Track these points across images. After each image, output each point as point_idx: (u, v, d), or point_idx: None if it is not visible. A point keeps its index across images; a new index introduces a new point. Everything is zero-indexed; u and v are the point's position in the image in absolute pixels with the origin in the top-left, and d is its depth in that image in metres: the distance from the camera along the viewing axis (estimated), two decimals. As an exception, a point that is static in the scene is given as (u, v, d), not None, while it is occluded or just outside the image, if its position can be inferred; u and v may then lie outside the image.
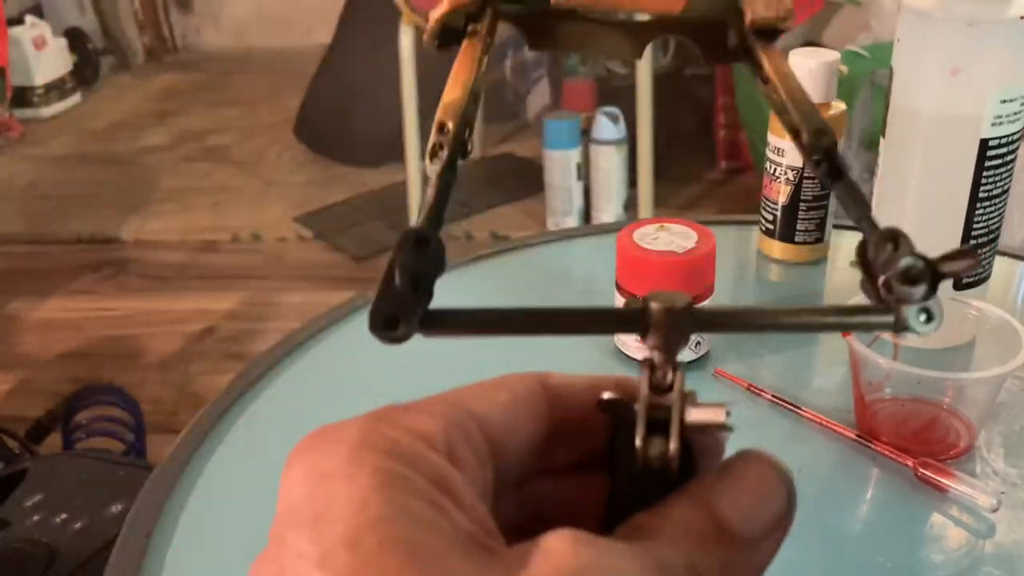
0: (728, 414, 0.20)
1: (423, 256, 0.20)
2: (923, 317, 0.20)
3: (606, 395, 0.21)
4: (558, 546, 0.17)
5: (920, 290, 0.20)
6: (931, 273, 0.20)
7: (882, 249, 0.20)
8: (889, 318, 0.20)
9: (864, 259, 0.21)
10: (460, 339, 0.20)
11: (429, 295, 0.20)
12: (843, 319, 0.21)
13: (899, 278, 0.20)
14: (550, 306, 0.21)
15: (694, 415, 0.20)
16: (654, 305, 0.20)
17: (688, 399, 0.21)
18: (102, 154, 2.87)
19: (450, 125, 0.22)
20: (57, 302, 2.07)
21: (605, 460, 0.22)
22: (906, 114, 0.58)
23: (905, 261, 0.20)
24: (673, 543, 0.19)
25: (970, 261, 0.20)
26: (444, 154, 0.22)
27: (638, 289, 0.58)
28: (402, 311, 0.20)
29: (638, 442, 0.20)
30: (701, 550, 0.19)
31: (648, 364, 0.21)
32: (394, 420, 0.19)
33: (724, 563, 0.19)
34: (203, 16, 3.84)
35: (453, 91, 0.23)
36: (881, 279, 0.20)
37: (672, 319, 0.20)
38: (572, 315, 0.21)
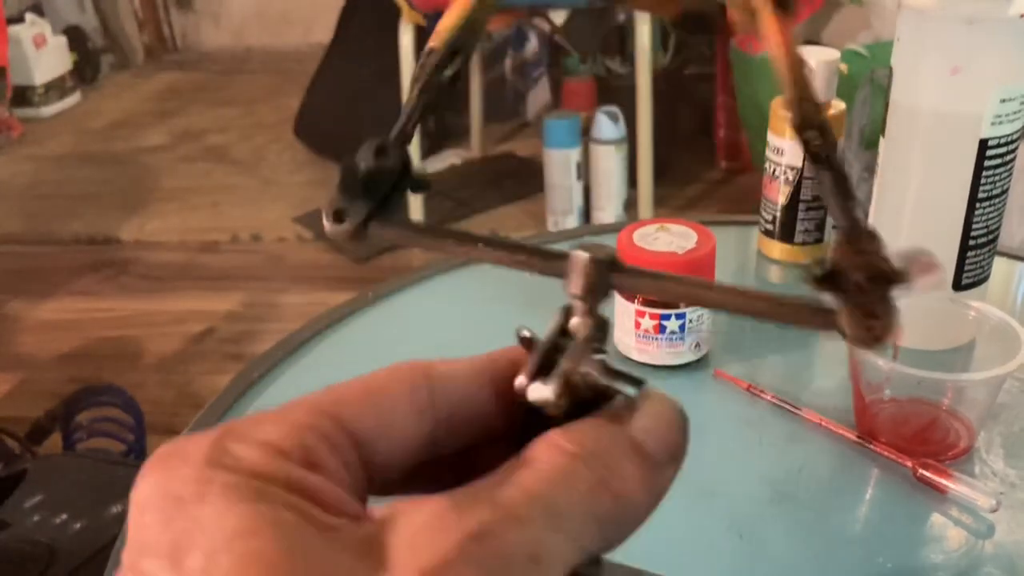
0: (639, 383, 0.21)
1: (379, 163, 0.22)
2: (877, 327, 0.19)
3: (525, 332, 0.22)
4: (427, 507, 0.17)
5: (879, 296, 0.19)
6: (890, 279, 0.19)
7: (854, 245, 0.19)
8: (834, 319, 0.19)
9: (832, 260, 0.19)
10: (404, 247, 0.22)
11: (381, 200, 0.22)
12: (781, 310, 0.20)
13: (866, 279, 0.19)
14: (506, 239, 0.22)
15: (596, 375, 0.21)
16: (579, 252, 0.21)
17: (595, 361, 0.21)
18: (102, 154, 2.87)
19: (436, 46, 0.23)
20: (57, 302, 2.07)
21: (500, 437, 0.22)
22: (906, 113, 0.58)
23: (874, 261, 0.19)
24: (581, 471, 0.19)
25: (932, 275, 0.19)
26: (423, 74, 0.22)
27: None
28: (349, 209, 0.21)
29: (521, 380, 0.21)
30: (620, 469, 0.19)
31: (564, 310, 0.21)
32: (241, 433, 0.18)
33: (643, 479, 0.20)
34: (203, 15, 3.84)
35: (447, 17, 0.23)
36: (847, 277, 0.19)
37: (595, 267, 0.21)
38: (503, 244, 0.22)
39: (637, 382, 0.21)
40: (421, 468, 0.22)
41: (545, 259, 0.22)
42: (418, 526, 0.17)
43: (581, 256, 0.21)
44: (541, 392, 0.21)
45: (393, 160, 0.22)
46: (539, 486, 0.18)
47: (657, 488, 0.20)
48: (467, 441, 0.22)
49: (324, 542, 0.17)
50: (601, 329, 0.22)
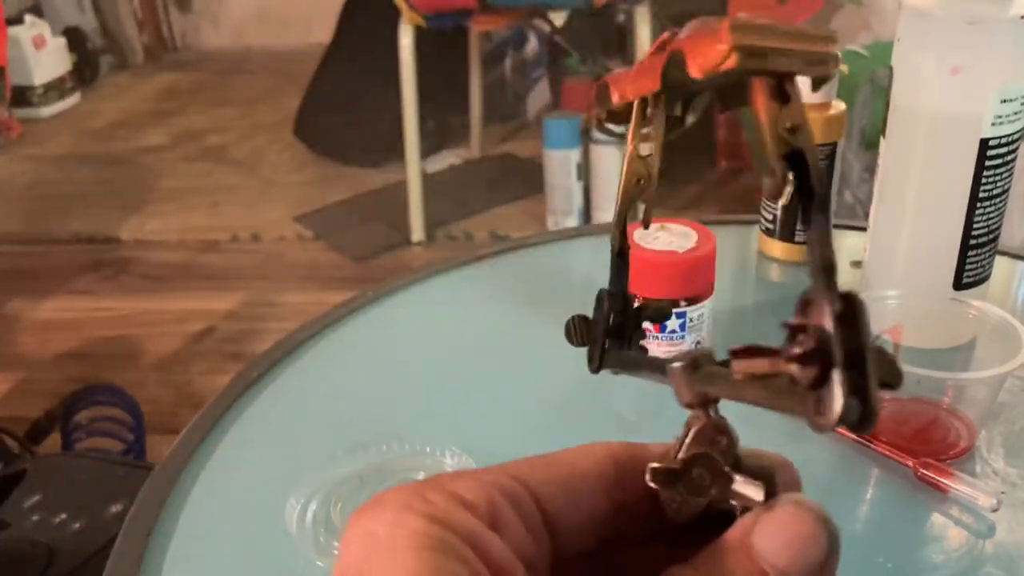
0: (771, 489, 0.20)
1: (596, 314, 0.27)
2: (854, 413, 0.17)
3: (653, 466, 0.21)
4: None
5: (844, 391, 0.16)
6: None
7: (819, 314, 0.17)
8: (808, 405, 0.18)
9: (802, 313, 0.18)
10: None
11: (610, 335, 0.27)
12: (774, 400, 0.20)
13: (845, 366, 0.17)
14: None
15: (735, 486, 0.21)
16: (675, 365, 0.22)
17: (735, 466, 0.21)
18: (101, 154, 2.87)
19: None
20: (57, 302, 2.07)
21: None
22: (906, 114, 0.57)
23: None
24: None
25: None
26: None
27: (638, 289, 0.58)
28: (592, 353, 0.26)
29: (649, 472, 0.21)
30: None
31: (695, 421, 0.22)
32: (439, 485, 0.20)
33: None
34: (202, 15, 3.84)
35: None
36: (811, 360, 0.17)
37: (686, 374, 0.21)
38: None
39: (768, 479, 0.20)
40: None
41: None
42: None
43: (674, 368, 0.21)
44: (664, 483, 0.21)
45: (610, 305, 0.26)
46: None
47: None
48: (649, 531, 0.22)
49: None
50: (721, 432, 0.22)
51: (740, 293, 0.71)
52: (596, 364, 0.26)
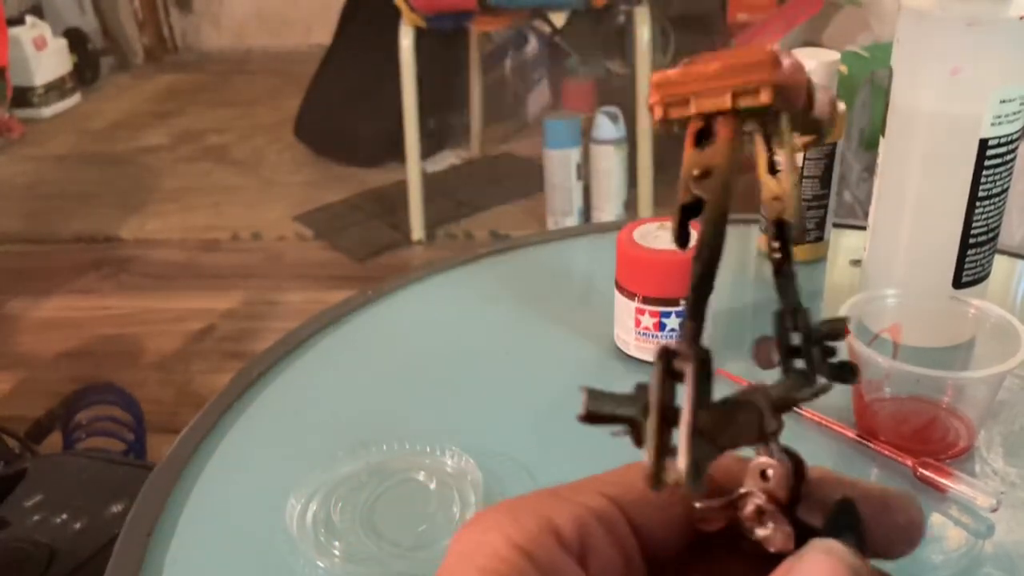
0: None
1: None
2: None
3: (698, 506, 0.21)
4: None
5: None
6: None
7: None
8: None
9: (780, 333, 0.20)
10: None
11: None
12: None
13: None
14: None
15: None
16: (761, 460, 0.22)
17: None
18: (102, 154, 2.87)
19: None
20: (57, 301, 2.07)
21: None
22: (906, 114, 0.58)
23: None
24: None
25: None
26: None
27: (638, 288, 0.58)
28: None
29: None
30: None
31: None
32: (535, 507, 0.20)
33: None
34: (203, 16, 3.84)
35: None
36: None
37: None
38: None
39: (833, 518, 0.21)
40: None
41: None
42: None
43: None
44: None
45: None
46: None
47: None
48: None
49: None
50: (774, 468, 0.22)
51: (740, 293, 0.71)
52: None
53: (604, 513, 0.20)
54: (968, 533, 0.48)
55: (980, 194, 0.57)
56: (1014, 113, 0.55)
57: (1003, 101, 0.54)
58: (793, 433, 0.58)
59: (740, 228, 0.79)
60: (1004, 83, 0.54)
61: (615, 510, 0.20)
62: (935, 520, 0.49)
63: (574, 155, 2.10)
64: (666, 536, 0.21)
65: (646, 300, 0.58)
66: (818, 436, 0.54)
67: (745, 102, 0.18)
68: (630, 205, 2.16)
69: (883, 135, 0.60)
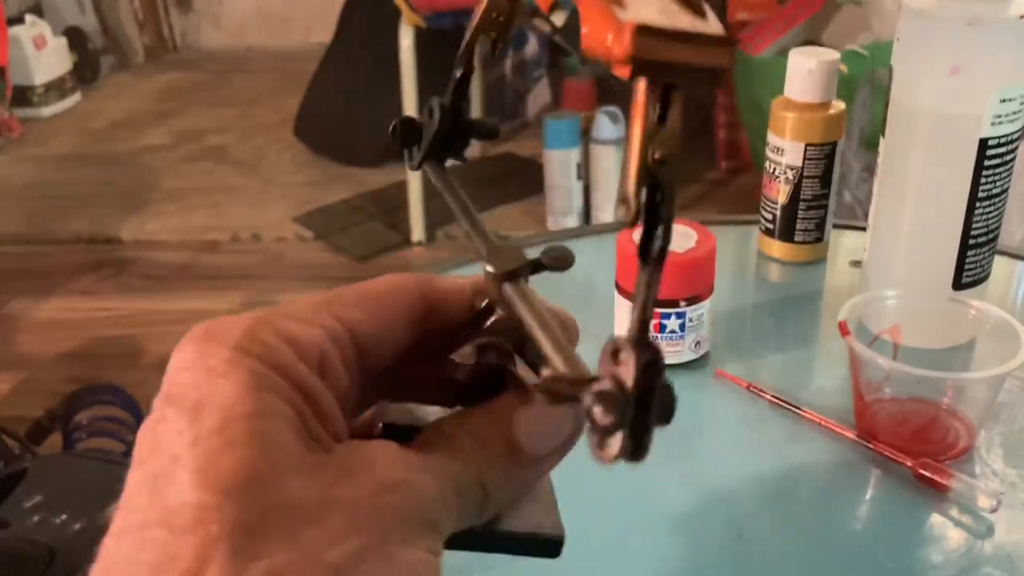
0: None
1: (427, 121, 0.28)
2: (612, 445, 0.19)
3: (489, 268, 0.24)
4: (380, 460, 0.21)
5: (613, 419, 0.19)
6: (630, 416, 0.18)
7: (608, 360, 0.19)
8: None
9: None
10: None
11: (437, 147, 0.28)
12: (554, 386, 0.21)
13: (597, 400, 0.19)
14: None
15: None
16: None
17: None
18: (102, 154, 2.87)
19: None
20: (57, 302, 2.07)
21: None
22: (906, 113, 0.58)
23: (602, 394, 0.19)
24: (469, 461, 0.22)
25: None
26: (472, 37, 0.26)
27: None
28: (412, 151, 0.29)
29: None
30: (491, 464, 0.22)
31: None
32: (275, 326, 0.21)
33: (508, 475, 0.23)
34: (203, 15, 3.83)
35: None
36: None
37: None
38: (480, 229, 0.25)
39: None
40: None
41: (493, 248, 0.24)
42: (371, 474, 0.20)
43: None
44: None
45: (439, 119, 0.27)
46: (446, 470, 0.22)
47: (533, 476, 0.24)
48: (436, 346, 0.25)
49: (306, 451, 0.20)
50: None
51: (740, 293, 0.71)
52: (416, 164, 0.28)
53: (335, 334, 0.22)
54: (968, 533, 0.48)
55: (980, 194, 0.57)
56: (1014, 113, 0.55)
57: (1003, 101, 0.54)
58: (793, 434, 0.58)
59: (740, 228, 0.79)
60: (1004, 83, 0.54)
61: (344, 332, 0.22)
62: (935, 520, 0.49)
63: (574, 155, 2.10)
64: (385, 352, 0.24)
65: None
66: (818, 437, 0.54)
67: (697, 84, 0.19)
68: (630, 205, 2.16)
69: (883, 135, 0.60)
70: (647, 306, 0.19)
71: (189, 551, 0.18)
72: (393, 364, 0.24)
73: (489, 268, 0.23)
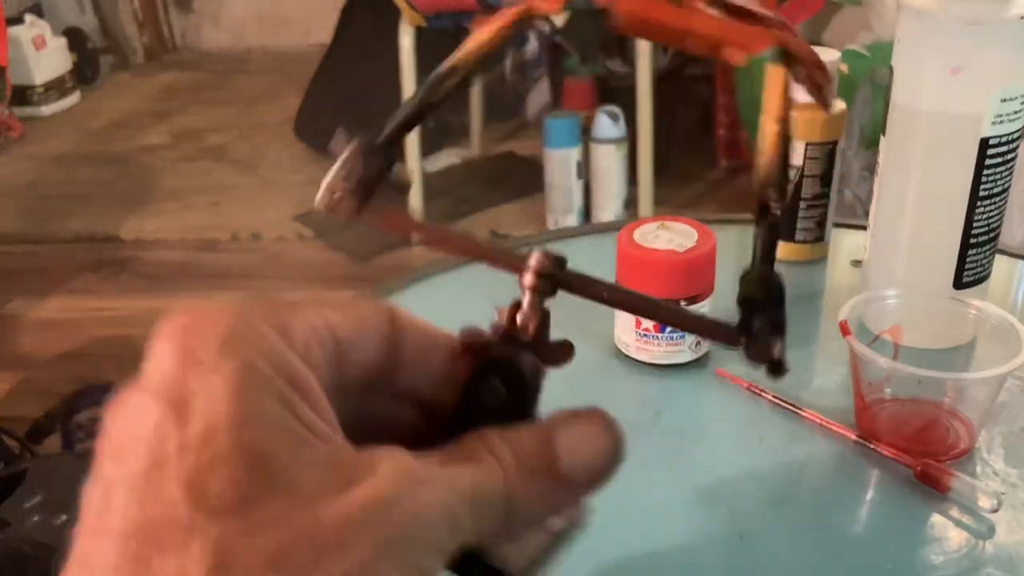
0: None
1: (368, 162, 0.25)
2: (765, 367, 0.23)
3: (470, 326, 0.25)
4: (391, 462, 0.20)
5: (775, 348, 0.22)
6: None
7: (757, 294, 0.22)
8: (737, 347, 0.23)
9: (744, 283, 0.23)
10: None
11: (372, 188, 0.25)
12: (701, 325, 0.24)
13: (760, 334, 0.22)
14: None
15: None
16: (534, 251, 0.24)
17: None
18: (102, 153, 2.87)
19: (460, 66, 0.25)
20: (57, 302, 2.07)
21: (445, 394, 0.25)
22: (906, 113, 0.57)
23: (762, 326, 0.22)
24: (497, 474, 0.21)
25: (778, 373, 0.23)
26: (434, 91, 0.25)
27: (638, 288, 0.58)
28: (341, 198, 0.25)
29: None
30: (526, 481, 0.22)
31: (513, 305, 0.25)
32: (265, 315, 0.21)
33: (543, 494, 0.22)
34: (203, 15, 3.83)
35: (480, 36, 0.25)
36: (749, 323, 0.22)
37: (545, 262, 0.24)
38: (474, 241, 0.26)
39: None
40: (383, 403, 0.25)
41: (503, 255, 0.25)
42: (390, 468, 0.20)
43: (535, 254, 0.24)
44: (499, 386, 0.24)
45: (380, 161, 0.25)
46: (463, 480, 0.21)
47: (568, 501, 0.23)
48: (403, 387, 0.25)
49: (305, 447, 0.19)
50: (545, 323, 0.25)
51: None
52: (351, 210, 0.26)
53: (321, 335, 0.22)
54: (969, 534, 0.48)
55: (981, 194, 0.57)
56: (1015, 112, 0.55)
57: (1004, 100, 0.54)
58: (794, 434, 0.58)
59: (740, 227, 0.78)
60: (1005, 82, 0.54)
61: (329, 334, 0.22)
62: (936, 521, 0.49)
63: (574, 154, 2.10)
64: (359, 363, 0.23)
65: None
66: (818, 437, 0.54)
67: None
68: (630, 204, 2.16)
69: (883, 134, 0.60)
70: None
71: (172, 571, 0.18)
72: (361, 382, 0.24)
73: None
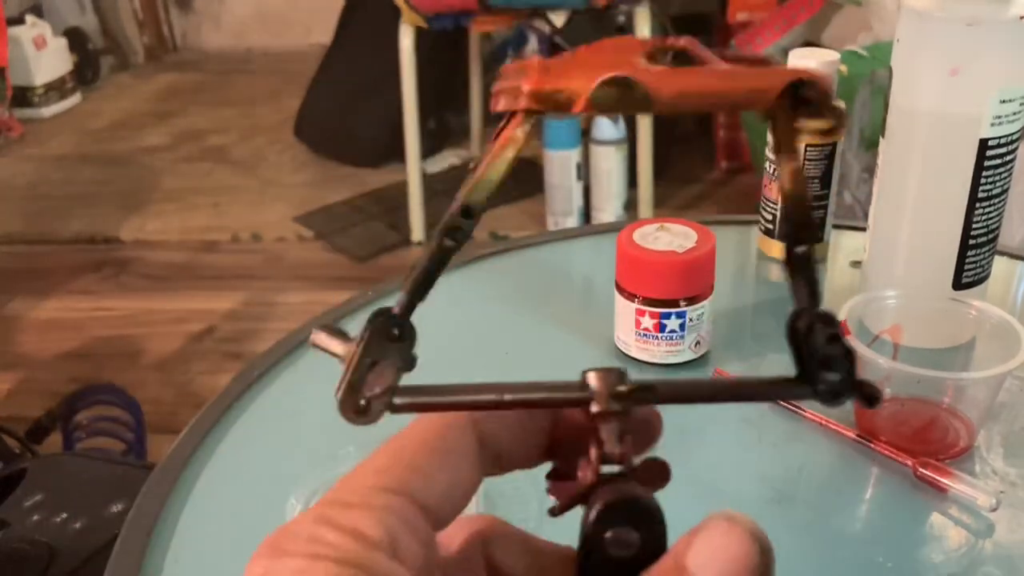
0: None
1: (392, 346, 0.23)
2: (832, 398, 0.22)
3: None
4: None
5: (836, 376, 0.21)
6: (848, 371, 0.21)
7: (814, 330, 0.21)
8: (806, 390, 0.22)
9: (794, 329, 0.21)
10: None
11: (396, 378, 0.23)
12: (772, 390, 0.23)
13: (824, 365, 0.21)
14: (530, 380, 0.22)
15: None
16: (592, 377, 0.22)
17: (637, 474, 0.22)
18: (102, 154, 2.87)
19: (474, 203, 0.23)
20: (57, 302, 2.07)
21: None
22: (906, 114, 0.58)
23: (831, 350, 0.21)
24: None
25: (874, 397, 0.21)
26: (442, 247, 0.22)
27: (638, 289, 0.58)
28: (372, 399, 0.23)
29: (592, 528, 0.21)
30: None
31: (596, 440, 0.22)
32: (337, 523, 0.20)
33: None
34: (203, 16, 3.83)
35: (485, 172, 0.23)
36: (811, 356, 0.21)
37: (610, 379, 0.22)
38: (521, 386, 0.22)
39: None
40: None
41: (562, 388, 0.22)
42: None
43: (591, 377, 0.22)
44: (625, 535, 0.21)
45: (403, 347, 0.23)
46: None
47: None
48: None
49: None
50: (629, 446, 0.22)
51: (739, 293, 0.71)
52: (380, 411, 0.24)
53: (402, 513, 0.21)
54: (968, 533, 0.48)
55: (980, 195, 0.57)
56: (1014, 113, 0.55)
57: (1003, 101, 0.54)
58: (793, 433, 0.58)
59: (740, 228, 0.79)
60: (1004, 83, 0.54)
61: (412, 507, 0.21)
62: (935, 520, 0.49)
63: (574, 155, 2.10)
64: (455, 505, 0.22)
65: (646, 301, 0.58)
66: (818, 436, 0.54)
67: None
68: (630, 205, 2.16)
69: (883, 135, 0.60)
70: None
71: None
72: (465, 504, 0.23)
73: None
